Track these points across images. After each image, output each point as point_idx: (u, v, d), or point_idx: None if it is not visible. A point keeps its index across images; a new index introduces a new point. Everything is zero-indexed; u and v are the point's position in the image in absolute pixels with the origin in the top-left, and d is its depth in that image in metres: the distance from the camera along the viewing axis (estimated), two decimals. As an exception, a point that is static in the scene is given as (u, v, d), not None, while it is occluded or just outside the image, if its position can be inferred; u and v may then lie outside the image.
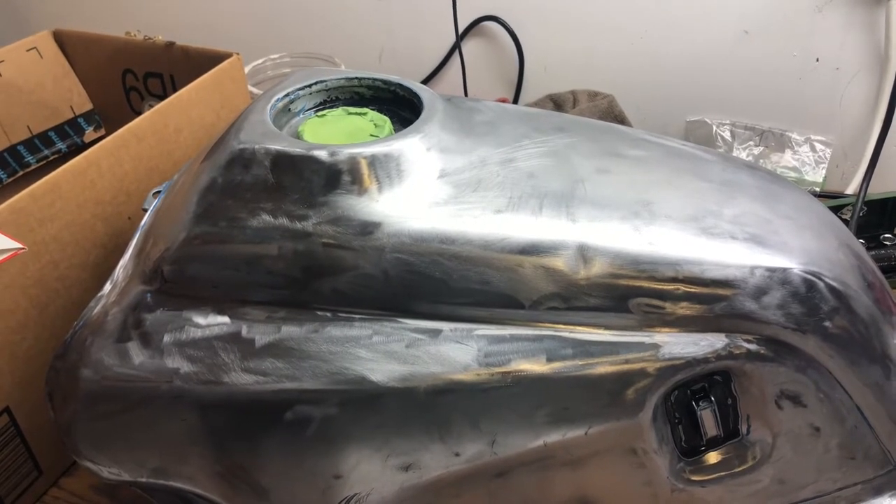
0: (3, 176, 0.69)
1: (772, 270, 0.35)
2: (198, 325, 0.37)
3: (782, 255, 0.36)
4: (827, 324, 0.35)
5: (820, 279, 0.35)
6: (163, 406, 0.37)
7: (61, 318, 0.49)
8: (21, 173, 0.70)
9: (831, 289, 0.36)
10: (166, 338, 0.37)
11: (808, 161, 0.78)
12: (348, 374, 0.35)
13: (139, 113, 0.71)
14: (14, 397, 0.48)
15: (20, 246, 0.42)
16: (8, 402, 0.48)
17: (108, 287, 0.41)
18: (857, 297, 0.36)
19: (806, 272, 0.35)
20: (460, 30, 0.88)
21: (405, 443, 0.36)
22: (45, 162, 0.72)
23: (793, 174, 0.78)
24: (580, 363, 0.35)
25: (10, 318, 0.47)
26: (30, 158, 0.71)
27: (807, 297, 0.35)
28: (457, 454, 0.36)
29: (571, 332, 0.35)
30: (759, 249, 0.36)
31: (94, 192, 0.51)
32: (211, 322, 0.37)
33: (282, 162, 0.37)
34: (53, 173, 0.49)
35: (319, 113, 0.44)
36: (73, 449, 0.39)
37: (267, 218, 0.37)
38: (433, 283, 0.36)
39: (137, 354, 0.37)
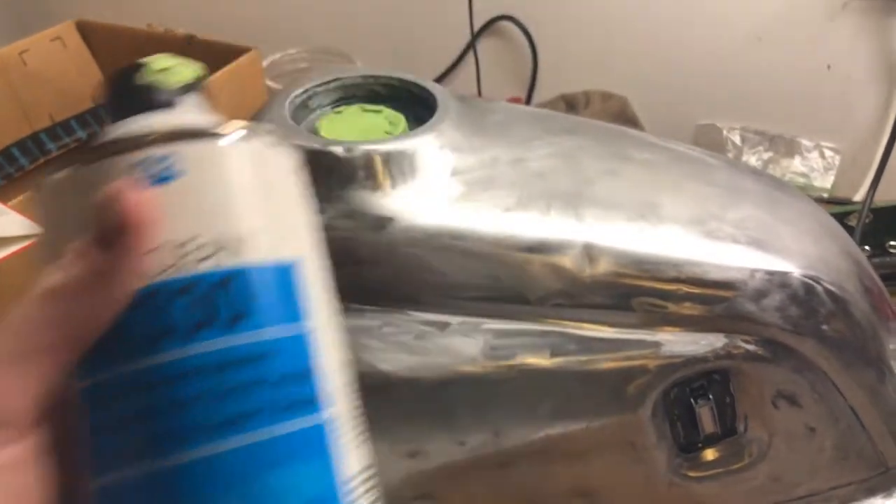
0: (25, 162, 0.71)
1: (771, 274, 0.36)
2: (215, 312, 0.38)
3: (782, 259, 0.37)
4: (824, 327, 0.36)
5: (818, 283, 0.36)
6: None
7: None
8: (42, 160, 0.72)
9: (829, 293, 0.37)
10: (184, 323, 0.38)
11: (816, 167, 0.79)
12: (358, 363, 0.36)
13: (159, 104, 0.72)
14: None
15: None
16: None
17: (128, 273, 0.43)
18: (854, 302, 0.37)
19: (805, 276, 0.36)
20: (475, 28, 0.89)
21: (412, 430, 0.37)
22: (65, 149, 0.73)
23: (801, 180, 0.79)
24: (583, 359, 0.36)
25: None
26: (51, 146, 0.73)
27: (805, 300, 0.36)
28: (462, 443, 0.37)
29: (576, 328, 0.37)
30: (760, 253, 0.37)
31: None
32: (227, 309, 0.38)
33: (300, 156, 0.38)
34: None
35: (336, 109, 0.45)
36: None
37: (284, 210, 0.38)
38: (443, 277, 0.37)
39: (156, 338, 0.39)
